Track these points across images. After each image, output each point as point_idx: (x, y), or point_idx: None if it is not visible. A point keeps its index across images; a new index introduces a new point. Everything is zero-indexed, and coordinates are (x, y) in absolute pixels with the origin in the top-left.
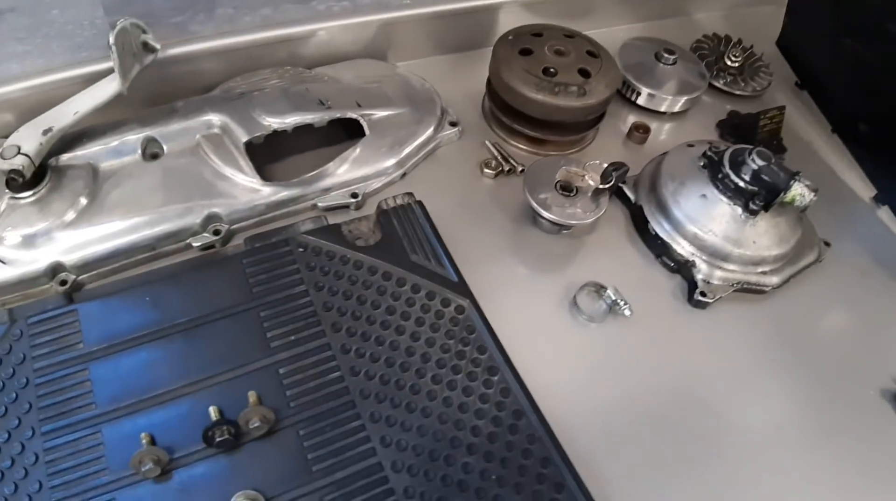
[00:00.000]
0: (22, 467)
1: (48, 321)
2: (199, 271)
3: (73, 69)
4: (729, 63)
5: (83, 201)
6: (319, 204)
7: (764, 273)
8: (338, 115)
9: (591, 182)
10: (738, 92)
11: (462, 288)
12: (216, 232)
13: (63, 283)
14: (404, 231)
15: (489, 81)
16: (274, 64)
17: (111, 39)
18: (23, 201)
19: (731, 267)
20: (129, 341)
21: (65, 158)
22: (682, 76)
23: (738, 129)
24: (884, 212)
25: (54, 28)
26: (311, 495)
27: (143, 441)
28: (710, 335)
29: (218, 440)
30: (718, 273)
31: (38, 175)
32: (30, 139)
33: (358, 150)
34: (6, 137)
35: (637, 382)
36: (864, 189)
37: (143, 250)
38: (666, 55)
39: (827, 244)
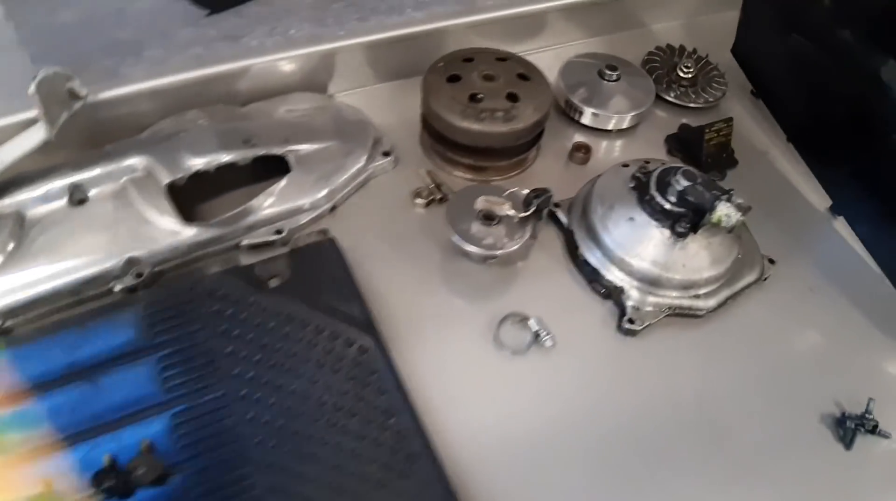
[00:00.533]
0: None
1: None
2: (106, 316)
3: (4, 118)
4: (681, 74)
5: (9, 248)
6: (244, 242)
7: (697, 296)
8: (262, 152)
9: (513, 211)
10: (690, 104)
11: (368, 327)
12: (139, 275)
13: None
14: (317, 269)
15: (422, 110)
16: (209, 102)
17: (32, 89)
18: None
19: (663, 292)
20: (37, 387)
21: None
22: (628, 92)
23: (684, 143)
24: (839, 223)
25: None
26: None
27: (40, 486)
28: (642, 362)
29: (105, 486)
30: (651, 299)
31: None
32: None
33: (283, 184)
34: None
35: (560, 415)
36: (819, 200)
37: (67, 295)
38: (608, 72)
39: (772, 262)
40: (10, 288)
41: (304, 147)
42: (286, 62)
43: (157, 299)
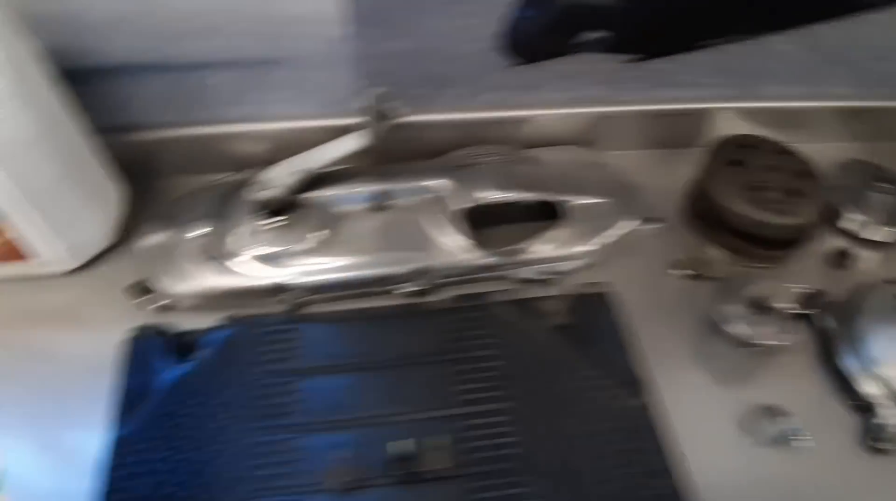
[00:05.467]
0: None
1: (273, 334)
2: (404, 318)
3: (321, 120)
4: None
5: (315, 235)
6: (515, 276)
7: None
8: (544, 196)
9: (784, 304)
10: None
11: (638, 385)
12: (421, 284)
13: (282, 302)
14: (592, 319)
15: (694, 186)
16: (494, 140)
17: (366, 103)
18: (265, 227)
19: None
20: (337, 366)
21: (307, 196)
22: None
23: None
24: None
25: (313, 85)
26: None
27: (339, 457)
28: (890, 483)
29: (400, 473)
30: None
31: (284, 207)
32: (286, 176)
33: (557, 231)
34: (254, 167)
35: None
36: None
37: (356, 287)
38: (882, 184)
39: None
40: (308, 270)
41: (581, 199)
42: (568, 118)
43: (453, 313)
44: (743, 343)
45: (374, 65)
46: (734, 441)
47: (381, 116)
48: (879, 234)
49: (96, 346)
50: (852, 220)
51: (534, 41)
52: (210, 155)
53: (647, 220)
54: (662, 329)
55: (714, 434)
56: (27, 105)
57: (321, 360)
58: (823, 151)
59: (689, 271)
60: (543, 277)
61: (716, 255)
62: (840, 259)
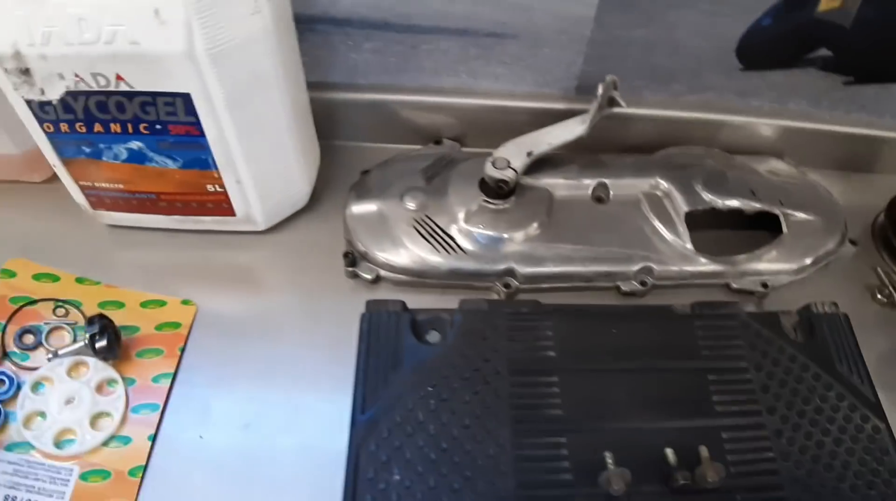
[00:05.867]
0: (493, 445)
1: (519, 323)
2: (647, 320)
3: (529, 101)
4: None
5: (542, 221)
6: (733, 285)
7: None
8: (765, 208)
9: None
10: None
11: (878, 409)
12: (643, 283)
13: (507, 286)
14: (831, 339)
15: (891, 211)
16: (694, 140)
17: (600, 90)
18: (492, 207)
19: None
20: (589, 364)
21: (530, 180)
22: None
23: None
24: None
25: (535, 62)
26: None
27: (609, 460)
28: None
29: (679, 484)
30: None
31: (509, 189)
32: (516, 157)
33: (777, 245)
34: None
35: None
36: None
37: (580, 279)
38: None
39: None
40: (535, 257)
41: (797, 214)
42: (769, 128)
43: (702, 318)
44: None
45: (602, 50)
46: None
47: (608, 103)
48: None
49: (298, 310)
50: None
51: (767, 49)
52: (399, 124)
53: (850, 242)
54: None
55: None
56: (276, 46)
57: (573, 356)
58: None
59: (886, 297)
60: (758, 289)
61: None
62: None
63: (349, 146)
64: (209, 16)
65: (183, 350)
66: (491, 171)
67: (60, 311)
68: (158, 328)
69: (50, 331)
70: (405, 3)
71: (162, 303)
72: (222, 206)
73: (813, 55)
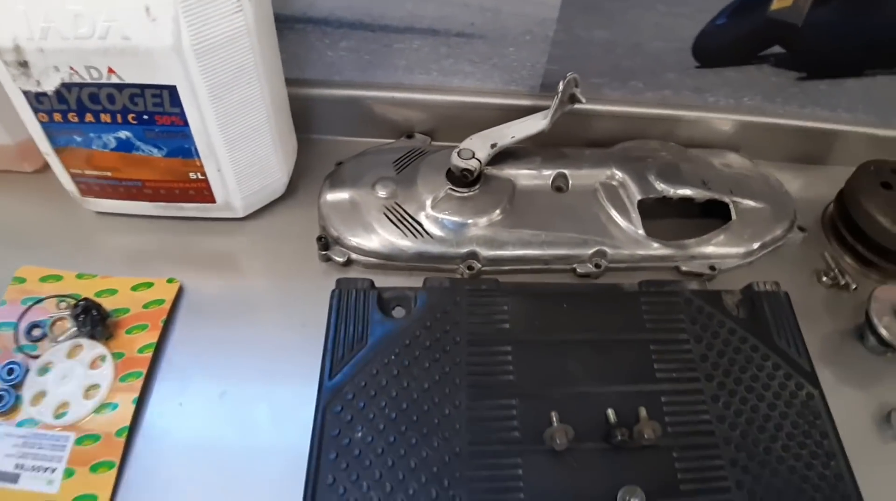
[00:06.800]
0: (450, 406)
1: (478, 300)
2: (597, 297)
3: (496, 97)
4: None
5: (504, 208)
6: (682, 268)
7: None
8: (715, 196)
9: None
10: None
11: (813, 378)
12: (597, 265)
13: (470, 268)
14: (771, 315)
15: (840, 201)
16: (653, 136)
17: (560, 87)
18: (458, 195)
19: None
20: (542, 337)
21: (494, 170)
22: None
23: None
24: None
25: (502, 61)
26: None
27: (554, 419)
28: None
29: (618, 440)
30: None
31: (474, 178)
32: (481, 148)
33: (725, 230)
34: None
35: None
36: None
37: (539, 262)
38: None
39: None
40: (497, 241)
41: (746, 202)
42: (725, 123)
43: (644, 297)
44: (883, 349)
45: (565, 49)
46: (871, 436)
47: (569, 99)
48: None
49: (275, 290)
50: None
51: (721, 48)
52: (373, 119)
53: (799, 229)
54: (809, 332)
55: (852, 429)
56: (257, 42)
57: (527, 329)
58: None
59: (832, 280)
60: (706, 272)
61: (853, 265)
62: None
63: (326, 140)
64: (195, 13)
65: (166, 323)
66: (456, 161)
67: (62, 305)
68: (145, 306)
69: (53, 323)
70: (379, 4)
71: (149, 285)
72: (203, 193)
73: (767, 53)
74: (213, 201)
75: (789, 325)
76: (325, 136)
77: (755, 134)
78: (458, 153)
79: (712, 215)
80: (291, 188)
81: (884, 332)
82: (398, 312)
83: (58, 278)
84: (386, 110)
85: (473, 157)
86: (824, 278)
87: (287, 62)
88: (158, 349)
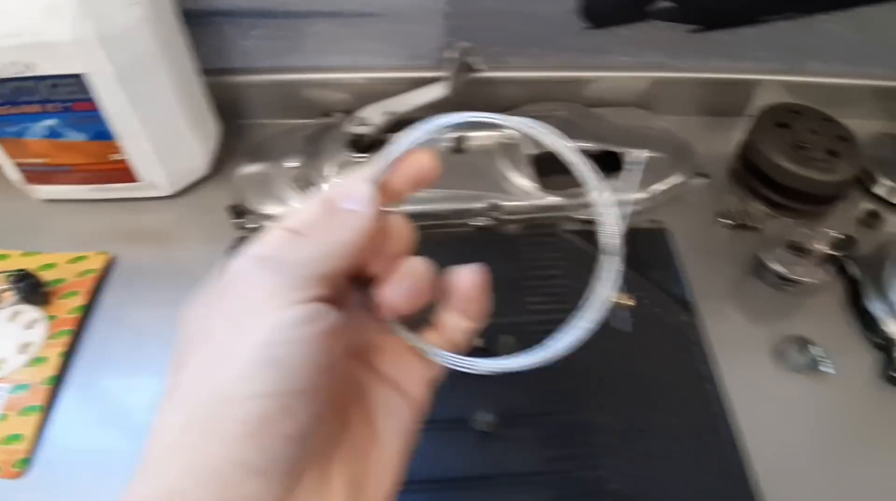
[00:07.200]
0: None
1: None
2: (481, 242)
3: (406, 72)
4: None
5: None
6: (577, 216)
7: None
8: (607, 148)
9: (823, 248)
10: None
11: (687, 305)
12: (494, 219)
13: None
14: (651, 250)
15: (744, 145)
16: (561, 98)
17: (450, 55)
18: (356, 160)
19: None
20: None
21: (393, 136)
22: None
23: None
24: None
25: (404, 37)
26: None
27: None
28: None
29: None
30: None
31: (373, 144)
32: (375, 116)
33: (618, 179)
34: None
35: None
36: None
37: (437, 218)
38: None
39: None
40: None
41: (640, 152)
42: (632, 81)
43: (526, 238)
44: (780, 281)
45: (461, 21)
46: (767, 367)
47: (464, 68)
48: None
49: (199, 259)
50: (884, 186)
51: (608, 7)
52: (296, 101)
53: (697, 175)
54: (708, 269)
55: (749, 360)
56: (157, 32)
57: None
58: (861, 126)
59: (734, 222)
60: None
61: (759, 208)
62: (871, 219)
63: (252, 124)
64: (92, 7)
65: (97, 289)
66: (350, 128)
67: (10, 279)
68: (79, 275)
69: (0, 294)
70: None
71: (83, 258)
72: (127, 173)
73: (657, 7)
74: (136, 179)
75: (670, 258)
76: (252, 120)
77: (662, 90)
78: (354, 121)
79: (613, 169)
80: (219, 167)
81: (776, 265)
82: None
83: (5, 257)
84: (304, 92)
85: (368, 124)
86: (724, 220)
87: (208, 53)
88: (89, 311)
